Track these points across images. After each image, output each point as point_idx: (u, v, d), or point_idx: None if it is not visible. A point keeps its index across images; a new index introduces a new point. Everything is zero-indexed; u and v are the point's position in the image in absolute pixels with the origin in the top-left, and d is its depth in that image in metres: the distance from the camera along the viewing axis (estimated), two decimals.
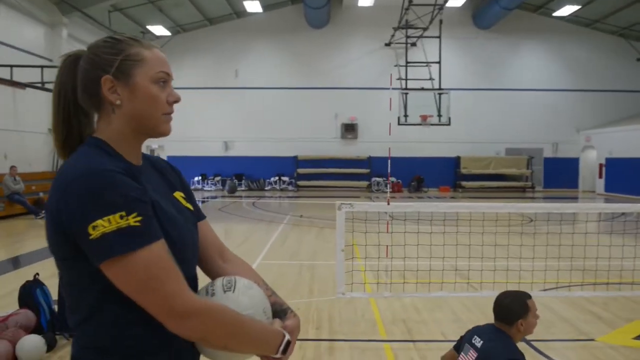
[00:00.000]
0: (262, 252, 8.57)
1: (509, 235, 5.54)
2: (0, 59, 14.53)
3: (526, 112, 24.10)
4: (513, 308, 2.42)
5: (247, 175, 24.01)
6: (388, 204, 4.62)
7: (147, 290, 1.10)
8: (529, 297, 2.49)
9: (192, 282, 1.28)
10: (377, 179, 23.54)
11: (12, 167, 13.37)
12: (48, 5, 17.33)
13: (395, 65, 21.23)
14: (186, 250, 1.28)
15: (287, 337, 1.27)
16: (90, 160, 1.15)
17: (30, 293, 4.37)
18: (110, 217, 1.06)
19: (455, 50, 23.47)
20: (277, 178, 23.94)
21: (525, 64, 24.34)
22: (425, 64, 18.06)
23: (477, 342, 2.47)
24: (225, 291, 1.26)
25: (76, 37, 18.84)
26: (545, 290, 5.47)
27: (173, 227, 1.23)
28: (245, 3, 21.75)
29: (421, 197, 21.29)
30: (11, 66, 14.15)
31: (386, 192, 22.96)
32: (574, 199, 20.05)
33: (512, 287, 5.08)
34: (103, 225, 1.06)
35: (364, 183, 23.67)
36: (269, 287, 1.42)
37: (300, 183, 23.87)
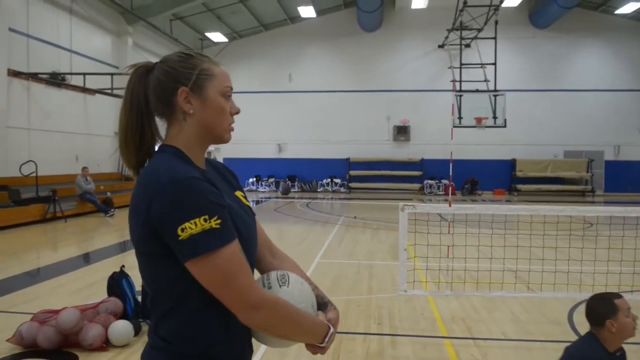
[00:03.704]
0: (320, 251, 8.84)
1: (570, 238, 5.54)
2: (74, 67, 15.55)
3: (586, 113, 23.36)
4: (598, 309, 2.42)
5: (300, 177, 24.47)
6: (450, 206, 4.76)
7: (225, 285, 1.23)
8: (618, 296, 2.44)
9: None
10: (430, 181, 23.45)
11: (84, 168, 14.11)
12: (115, 15, 18.36)
13: (449, 67, 21.13)
14: (252, 245, 1.44)
15: (332, 329, 1.41)
16: (175, 166, 1.27)
17: (117, 283, 4.80)
18: (197, 220, 1.20)
19: (512, 50, 23.08)
20: (329, 180, 24.28)
21: (585, 63, 23.59)
22: (480, 66, 17.88)
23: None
24: (280, 285, 1.38)
25: (140, 45, 19.84)
26: None
27: (243, 225, 1.37)
28: (299, 9, 22.20)
29: (475, 200, 21.03)
30: (84, 74, 15.12)
31: (439, 194, 22.93)
32: (637, 203, 19.27)
33: (572, 290, 5.16)
34: (190, 228, 1.19)
35: (416, 185, 23.62)
36: (312, 282, 1.54)
37: (352, 185, 24.10)
